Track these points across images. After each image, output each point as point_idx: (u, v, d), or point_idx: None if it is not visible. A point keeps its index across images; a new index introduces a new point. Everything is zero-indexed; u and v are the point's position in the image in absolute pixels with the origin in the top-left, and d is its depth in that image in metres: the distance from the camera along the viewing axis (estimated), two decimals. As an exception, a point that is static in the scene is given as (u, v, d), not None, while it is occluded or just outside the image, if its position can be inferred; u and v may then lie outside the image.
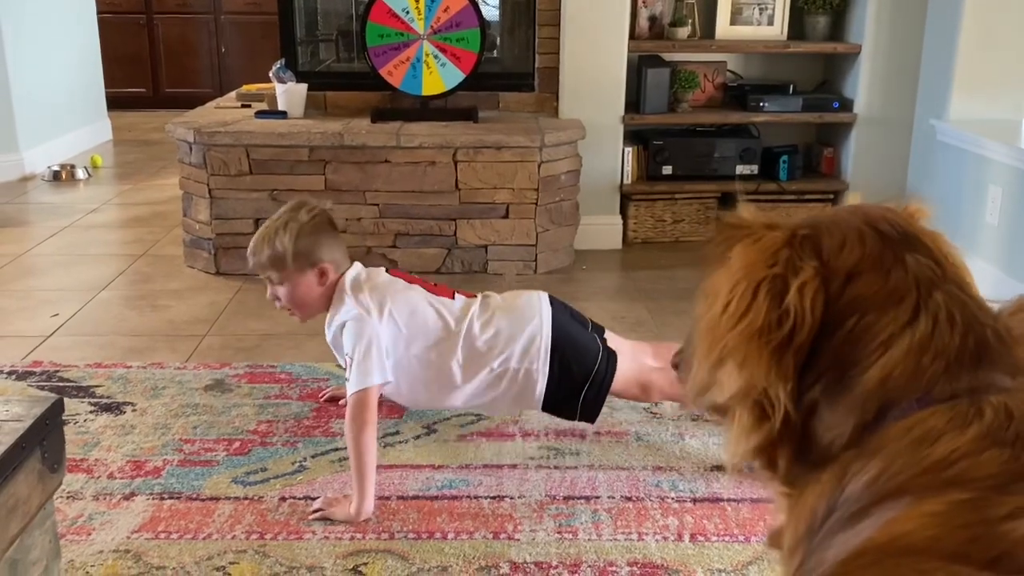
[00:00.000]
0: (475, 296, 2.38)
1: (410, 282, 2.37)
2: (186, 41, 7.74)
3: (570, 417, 2.34)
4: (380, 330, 2.21)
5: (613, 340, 2.41)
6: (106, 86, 6.69)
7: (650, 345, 2.53)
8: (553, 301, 2.36)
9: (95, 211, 4.77)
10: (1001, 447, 0.73)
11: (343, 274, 2.29)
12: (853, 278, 0.85)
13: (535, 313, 2.28)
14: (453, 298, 2.35)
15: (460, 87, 3.86)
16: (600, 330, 2.42)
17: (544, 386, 2.24)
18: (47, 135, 5.73)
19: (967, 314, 0.83)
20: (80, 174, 5.46)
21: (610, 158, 4.09)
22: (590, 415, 2.30)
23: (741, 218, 0.92)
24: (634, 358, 2.37)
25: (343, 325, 2.22)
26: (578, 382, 2.26)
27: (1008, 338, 0.83)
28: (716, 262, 0.91)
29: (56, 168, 5.45)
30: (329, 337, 2.30)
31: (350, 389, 2.16)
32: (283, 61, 3.98)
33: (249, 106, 4.17)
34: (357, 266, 2.35)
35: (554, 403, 2.29)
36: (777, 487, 0.91)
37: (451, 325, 2.26)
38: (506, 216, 3.75)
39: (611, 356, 2.29)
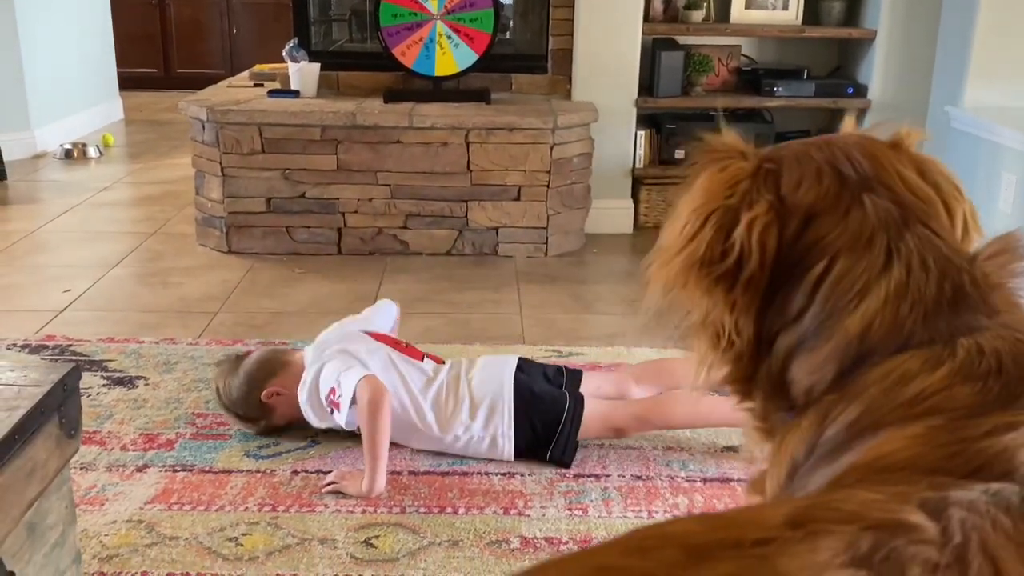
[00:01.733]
0: (443, 362, 2.39)
1: (378, 339, 2.38)
2: (197, 22, 7.74)
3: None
4: (357, 368, 2.20)
5: (592, 380, 2.42)
6: (118, 66, 6.70)
7: (637, 369, 2.53)
8: (522, 364, 2.35)
9: (107, 189, 4.78)
10: (972, 382, 0.74)
11: (301, 359, 2.34)
12: (812, 218, 0.84)
13: (499, 380, 2.28)
14: (422, 360, 2.36)
15: (473, 68, 3.85)
16: (576, 378, 2.40)
17: (511, 448, 2.24)
18: (59, 114, 5.74)
19: (941, 259, 0.83)
20: (92, 152, 5.47)
21: (622, 141, 4.08)
22: (562, 464, 2.26)
23: (717, 141, 0.91)
24: (608, 404, 2.34)
25: (319, 371, 2.22)
26: (545, 438, 2.24)
27: (984, 284, 0.82)
28: (688, 184, 0.91)
29: (68, 146, 5.46)
30: (303, 397, 2.25)
31: (350, 386, 2.13)
32: (296, 40, 3.98)
33: (262, 85, 4.17)
34: (319, 336, 2.40)
35: (527, 455, 2.27)
36: (752, 420, 0.92)
37: (416, 393, 2.26)
38: (518, 198, 3.75)
39: (577, 410, 2.26)
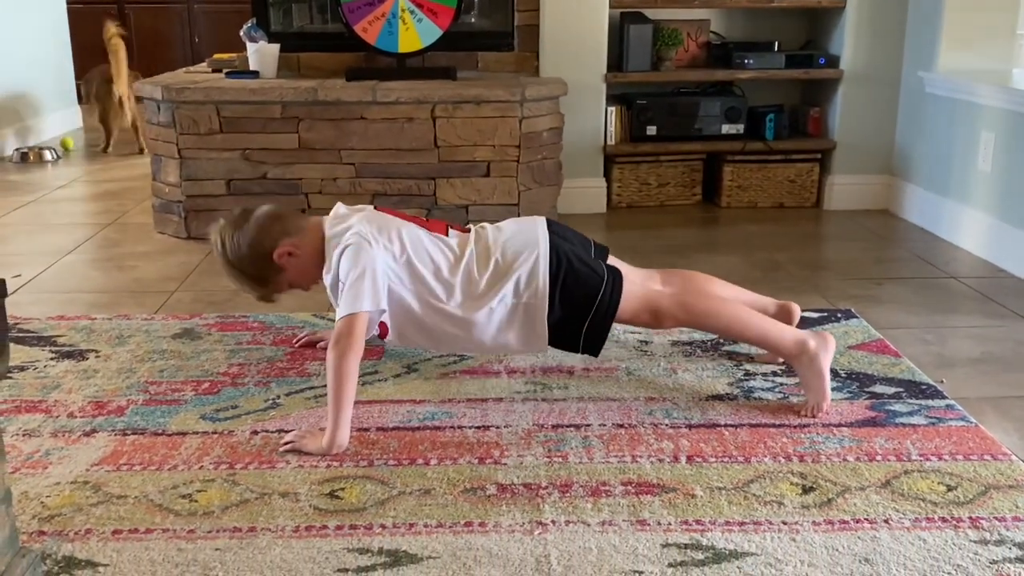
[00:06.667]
0: (468, 230, 2.24)
1: (399, 216, 2.23)
2: (159, 31, 7.61)
3: (573, 348, 2.17)
4: (379, 256, 2.06)
5: (620, 265, 2.27)
6: (78, 76, 6.54)
7: (659, 272, 2.37)
8: (551, 225, 2.20)
9: (64, 187, 4.62)
10: None
11: (317, 224, 2.17)
12: None
13: (533, 244, 2.12)
14: (447, 233, 2.21)
15: (438, 44, 3.75)
16: (604, 252, 2.28)
17: (545, 318, 2.09)
18: (13, 120, 5.59)
19: None
20: (48, 156, 5.31)
21: (593, 119, 3.99)
22: (594, 345, 2.14)
23: None
24: (643, 283, 2.24)
25: (340, 255, 2.06)
26: (582, 309, 2.10)
27: None
28: None
29: (24, 150, 5.30)
30: (328, 281, 2.11)
31: (339, 314, 2.01)
32: (254, 20, 3.86)
33: (220, 71, 4.04)
34: (337, 206, 2.24)
35: (558, 334, 2.13)
36: None
37: (450, 262, 2.12)
38: (487, 174, 3.63)
39: (616, 280, 2.12)
